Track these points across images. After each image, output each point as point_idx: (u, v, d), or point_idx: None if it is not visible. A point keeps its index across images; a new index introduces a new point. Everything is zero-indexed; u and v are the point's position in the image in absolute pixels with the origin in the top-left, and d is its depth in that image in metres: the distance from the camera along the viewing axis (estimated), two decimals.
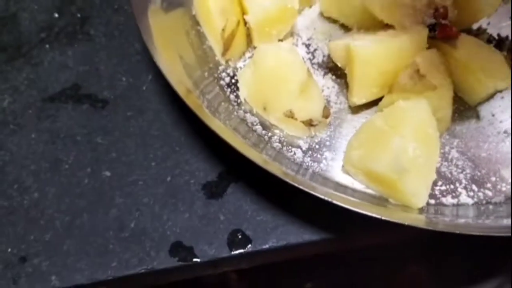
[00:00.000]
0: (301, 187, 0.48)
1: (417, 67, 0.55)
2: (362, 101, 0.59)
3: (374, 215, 0.47)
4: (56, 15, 0.71)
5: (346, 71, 0.60)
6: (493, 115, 0.61)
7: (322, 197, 0.47)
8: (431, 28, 0.59)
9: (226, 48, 0.62)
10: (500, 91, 0.60)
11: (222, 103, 0.61)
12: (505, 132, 0.60)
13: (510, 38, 0.64)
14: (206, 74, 0.63)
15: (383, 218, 0.47)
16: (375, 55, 0.55)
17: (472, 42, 0.59)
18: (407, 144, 0.51)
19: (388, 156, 0.51)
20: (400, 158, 0.50)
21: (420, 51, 0.56)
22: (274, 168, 0.51)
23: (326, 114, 0.58)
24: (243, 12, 0.63)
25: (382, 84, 0.57)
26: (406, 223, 0.47)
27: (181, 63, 0.61)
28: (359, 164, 0.54)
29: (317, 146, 0.59)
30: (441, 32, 0.58)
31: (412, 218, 0.52)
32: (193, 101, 0.53)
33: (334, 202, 0.47)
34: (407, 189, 0.51)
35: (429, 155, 0.53)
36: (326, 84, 0.63)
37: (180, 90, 0.53)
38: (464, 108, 0.62)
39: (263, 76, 0.58)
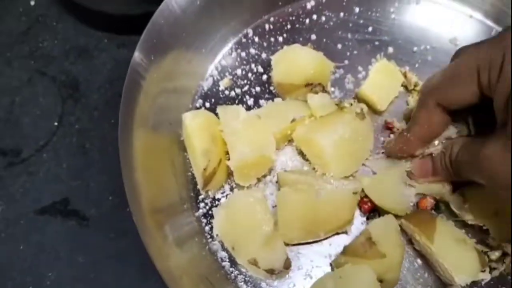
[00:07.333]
0: None
1: (369, 235, 0.61)
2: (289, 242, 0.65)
3: None
4: (56, 123, 0.77)
5: None
6: None
7: None
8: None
9: (206, 184, 0.68)
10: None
11: (196, 238, 0.67)
12: None
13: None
14: (185, 205, 0.69)
15: None
16: (292, 205, 0.63)
17: (449, 237, 0.62)
18: None
19: None
20: None
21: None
22: None
23: (287, 265, 0.63)
24: (226, 152, 0.69)
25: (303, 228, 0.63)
26: None
27: (157, 190, 0.66)
28: None
29: None
30: None
31: None
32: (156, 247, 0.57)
33: None
34: None
35: None
36: None
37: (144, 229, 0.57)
38: None
39: (233, 220, 0.64)
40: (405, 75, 0.75)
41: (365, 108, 0.72)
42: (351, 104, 0.72)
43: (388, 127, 0.73)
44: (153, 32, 0.69)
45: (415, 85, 0.74)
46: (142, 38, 0.67)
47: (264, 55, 0.81)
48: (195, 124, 0.68)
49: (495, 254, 0.63)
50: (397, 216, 0.64)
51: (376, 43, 0.82)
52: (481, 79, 0.50)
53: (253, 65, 0.80)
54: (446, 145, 0.59)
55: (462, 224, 0.65)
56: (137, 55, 0.67)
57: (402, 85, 0.76)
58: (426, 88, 0.59)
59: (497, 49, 0.48)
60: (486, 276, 0.61)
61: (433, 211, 0.67)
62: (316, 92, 0.75)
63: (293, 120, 0.70)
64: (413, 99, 0.74)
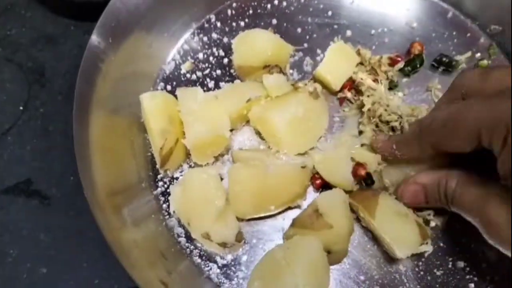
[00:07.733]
0: None
1: (316, 207, 0.63)
2: (242, 217, 0.67)
3: None
4: (21, 108, 0.79)
5: None
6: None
7: None
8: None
9: (163, 163, 0.70)
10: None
11: (153, 215, 0.69)
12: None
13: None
14: (143, 184, 0.71)
15: None
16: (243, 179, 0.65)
17: (390, 212, 0.63)
18: (298, 282, 0.58)
19: None
20: None
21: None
22: None
23: (239, 238, 0.65)
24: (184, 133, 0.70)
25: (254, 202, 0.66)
26: None
27: (116, 170, 0.67)
28: None
29: (232, 263, 0.67)
30: None
31: None
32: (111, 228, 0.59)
33: None
34: None
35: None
36: None
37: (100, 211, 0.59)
38: None
39: (189, 196, 0.66)
40: (358, 52, 0.77)
41: (319, 88, 0.73)
42: (305, 84, 0.74)
43: (341, 102, 0.75)
44: (111, 15, 0.71)
45: (370, 60, 0.76)
46: (100, 21, 0.69)
47: (225, 39, 0.83)
48: (153, 105, 0.70)
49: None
50: (346, 192, 0.66)
51: (335, 26, 0.83)
52: (482, 138, 0.48)
53: (214, 49, 0.82)
54: (440, 177, 0.57)
55: None
56: (94, 38, 0.68)
57: (357, 64, 0.77)
58: (425, 129, 0.58)
59: (500, 111, 0.45)
60: (427, 248, 0.62)
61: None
62: (272, 73, 0.77)
63: (248, 100, 0.72)
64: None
